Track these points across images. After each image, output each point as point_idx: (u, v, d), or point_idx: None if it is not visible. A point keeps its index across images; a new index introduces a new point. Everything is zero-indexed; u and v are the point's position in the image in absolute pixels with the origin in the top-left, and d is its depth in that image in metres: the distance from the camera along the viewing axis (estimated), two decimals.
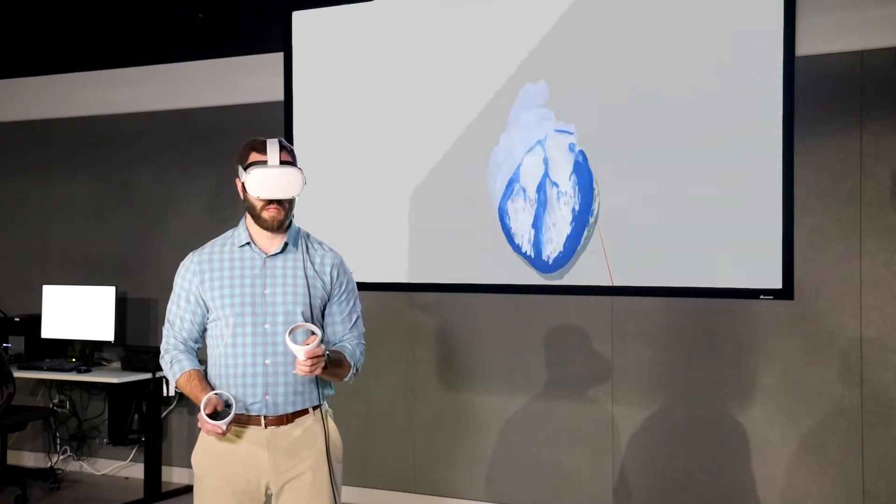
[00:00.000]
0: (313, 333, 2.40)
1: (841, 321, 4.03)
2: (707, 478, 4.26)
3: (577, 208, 4.20)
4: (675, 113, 4.05)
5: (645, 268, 4.12)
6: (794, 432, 4.11)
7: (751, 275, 3.95)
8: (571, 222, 4.22)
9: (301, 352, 2.36)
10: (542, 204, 4.28)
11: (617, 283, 4.18)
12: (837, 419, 4.04)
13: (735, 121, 3.96)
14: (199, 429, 2.49)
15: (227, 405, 2.45)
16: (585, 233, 4.18)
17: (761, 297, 3.95)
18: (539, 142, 4.29)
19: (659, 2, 4.09)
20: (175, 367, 2.60)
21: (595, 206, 4.17)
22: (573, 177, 4.20)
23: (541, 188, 4.28)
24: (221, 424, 2.40)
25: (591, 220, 4.17)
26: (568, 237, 4.22)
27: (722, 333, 4.23)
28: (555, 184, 4.25)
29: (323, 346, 2.42)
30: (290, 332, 2.38)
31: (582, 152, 4.19)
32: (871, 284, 3.98)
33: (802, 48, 3.94)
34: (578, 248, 4.21)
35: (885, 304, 3.97)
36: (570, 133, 4.21)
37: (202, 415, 2.41)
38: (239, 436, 2.53)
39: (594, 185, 4.16)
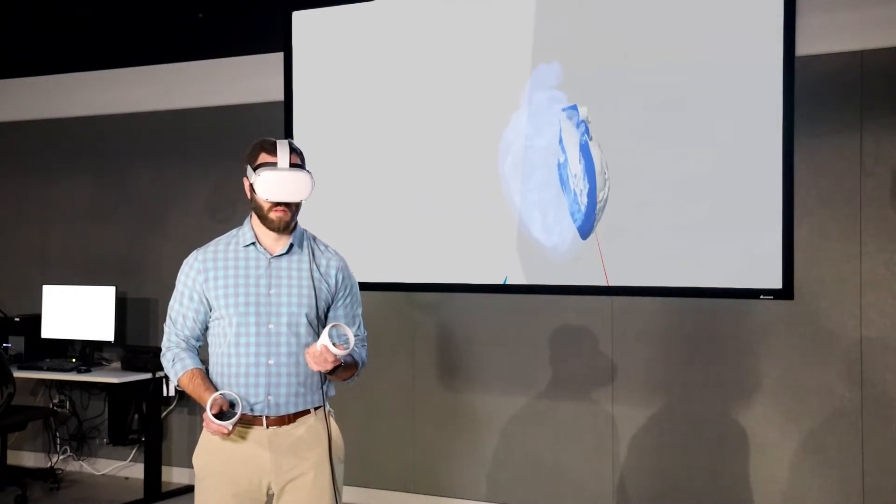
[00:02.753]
0: (343, 345, 2.40)
1: (841, 321, 4.03)
2: (707, 478, 4.26)
3: (586, 193, 4.20)
4: (675, 112, 4.05)
5: (644, 267, 4.12)
6: (794, 432, 4.11)
7: (751, 275, 3.95)
8: (581, 207, 4.21)
9: (321, 343, 2.37)
10: (552, 187, 4.27)
11: (616, 283, 4.18)
12: (837, 419, 4.04)
13: (735, 121, 3.96)
14: (200, 429, 2.49)
15: (232, 405, 2.46)
16: (595, 217, 4.18)
17: (761, 297, 3.95)
18: (551, 123, 4.27)
19: (659, 2, 4.10)
20: (177, 366, 2.60)
21: (604, 192, 4.16)
22: (582, 161, 4.19)
23: (551, 171, 4.27)
24: (227, 425, 2.41)
25: (599, 206, 4.17)
26: (578, 221, 4.22)
27: (722, 333, 4.24)
28: (566, 167, 4.24)
29: (340, 358, 2.42)
30: (332, 326, 2.40)
31: (592, 137, 4.18)
32: (871, 284, 3.99)
33: (802, 48, 3.94)
34: (588, 233, 4.20)
35: (885, 304, 3.97)
36: (582, 116, 4.20)
37: (208, 415, 2.41)
38: (241, 436, 2.53)
39: (603, 172, 4.15)
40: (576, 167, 4.21)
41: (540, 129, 4.31)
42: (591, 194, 4.19)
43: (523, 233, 4.36)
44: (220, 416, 2.43)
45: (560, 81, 4.27)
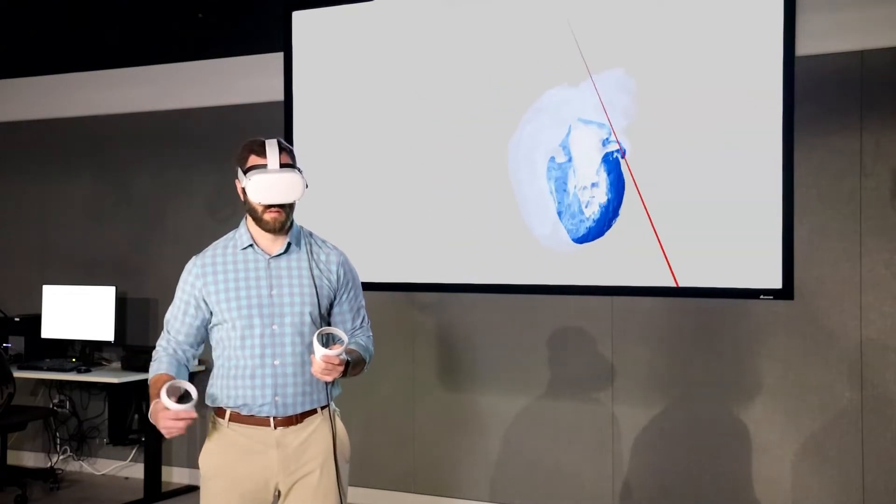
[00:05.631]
0: (338, 343, 2.41)
1: (841, 321, 4.04)
2: (707, 478, 4.27)
3: (603, 203, 4.19)
4: (674, 112, 4.06)
5: (645, 268, 4.12)
6: (794, 432, 4.11)
7: (751, 275, 3.95)
8: (596, 214, 4.21)
9: (319, 354, 2.37)
10: (553, 187, 4.27)
11: (617, 284, 4.18)
12: (837, 419, 4.04)
13: (735, 121, 3.96)
14: (201, 429, 2.49)
15: (183, 396, 2.33)
16: (612, 222, 4.18)
17: (761, 297, 3.95)
18: (558, 125, 4.26)
19: (659, 1, 4.10)
20: (153, 366, 2.57)
21: (622, 202, 4.17)
22: (604, 173, 4.19)
23: (552, 172, 4.27)
24: (189, 408, 2.28)
25: (616, 219, 4.17)
26: (579, 224, 4.22)
27: (722, 333, 4.24)
28: (568, 170, 4.24)
29: (344, 356, 2.42)
30: (318, 334, 2.39)
31: (625, 154, 4.17)
32: (871, 284, 3.99)
33: (802, 48, 3.95)
34: (591, 237, 4.20)
35: (885, 304, 3.97)
36: (598, 125, 4.19)
37: (165, 401, 2.26)
38: (248, 437, 2.53)
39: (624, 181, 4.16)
40: (586, 176, 4.19)
41: (546, 132, 4.30)
42: (613, 204, 4.17)
43: (524, 233, 4.36)
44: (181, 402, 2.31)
45: (567, 83, 4.26)
